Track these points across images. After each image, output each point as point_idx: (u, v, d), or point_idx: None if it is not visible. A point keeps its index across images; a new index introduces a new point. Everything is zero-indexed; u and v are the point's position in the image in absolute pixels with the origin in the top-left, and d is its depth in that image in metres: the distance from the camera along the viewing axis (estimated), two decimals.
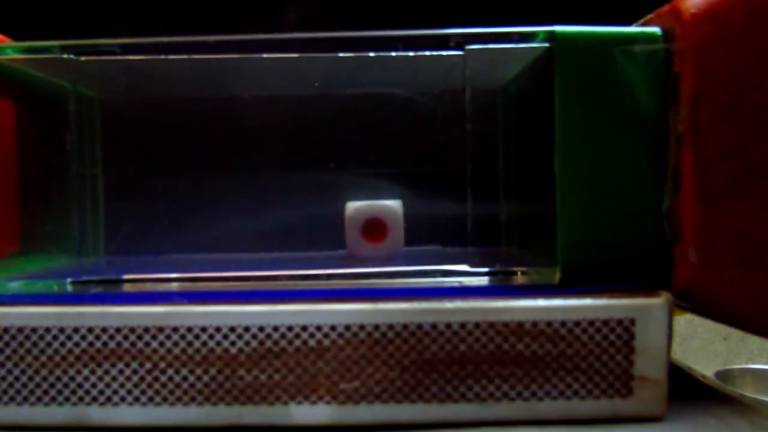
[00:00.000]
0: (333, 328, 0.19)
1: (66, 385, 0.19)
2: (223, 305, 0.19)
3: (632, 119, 0.20)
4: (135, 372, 0.19)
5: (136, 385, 0.19)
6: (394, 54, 0.23)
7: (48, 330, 0.19)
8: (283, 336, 0.19)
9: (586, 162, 0.20)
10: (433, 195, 0.27)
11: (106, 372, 0.19)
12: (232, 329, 0.19)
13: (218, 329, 0.19)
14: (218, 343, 0.19)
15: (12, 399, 0.19)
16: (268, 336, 0.19)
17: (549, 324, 0.19)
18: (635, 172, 0.20)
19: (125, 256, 0.27)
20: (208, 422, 0.19)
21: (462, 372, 0.19)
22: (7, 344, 0.19)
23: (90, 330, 0.19)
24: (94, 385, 0.19)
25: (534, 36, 0.21)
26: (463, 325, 0.19)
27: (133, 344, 0.19)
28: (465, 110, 0.24)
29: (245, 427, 0.19)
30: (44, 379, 0.19)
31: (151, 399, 0.19)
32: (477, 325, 0.19)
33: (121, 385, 0.19)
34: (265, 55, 0.22)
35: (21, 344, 0.19)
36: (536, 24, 0.21)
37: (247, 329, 0.19)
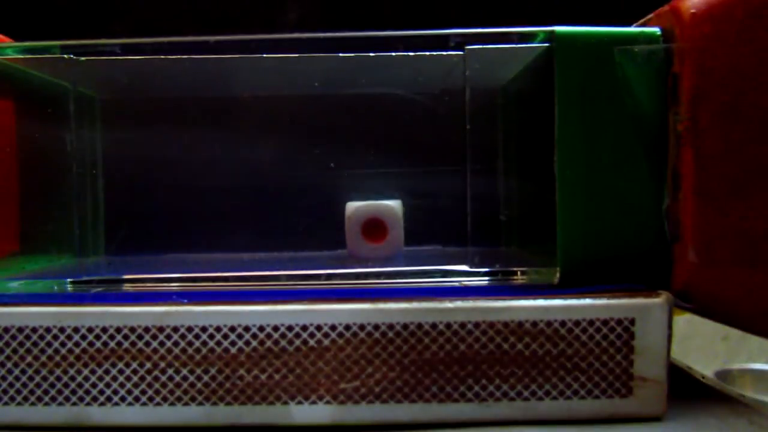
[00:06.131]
0: (333, 328, 0.19)
1: (66, 385, 0.19)
2: (223, 305, 0.19)
3: (632, 119, 0.20)
4: (135, 372, 0.19)
5: (136, 385, 0.19)
6: (394, 54, 0.23)
7: (48, 330, 0.19)
8: (283, 336, 0.19)
9: (586, 162, 0.20)
10: (433, 195, 0.27)
11: (106, 372, 0.19)
12: (232, 329, 0.19)
13: (218, 329, 0.19)
14: (218, 343, 0.19)
15: (12, 399, 0.19)
16: (268, 336, 0.19)
17: (549, 324, 0.19)
18: (635, 172, 0.20)
19: (125, 256, 0.27)
20: (208, 422, 0.19)
21: (462, 372, 0.19)
22: (7, 344, 0.19)
23: (90, 330, 0.19)
24: (94, 385, 0.19)
25: (534, 36, 0.21)
26: (463, 325, 0.19)
27: (133, 344, 0.19)
28: (465, 110, 0.24)
29: (245, 427, 0.19)
30: (44, 379, 0.19)
31: (151, 399, 0.19)
32: (477, 325, 0.19)
33: (121, 385, 0.19)
34: (265, 55, 0.22)
35: (21, 344, 0.19)
36: (536, 24, 0.21)
37: (247, 329, 0.19)
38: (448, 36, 0.22)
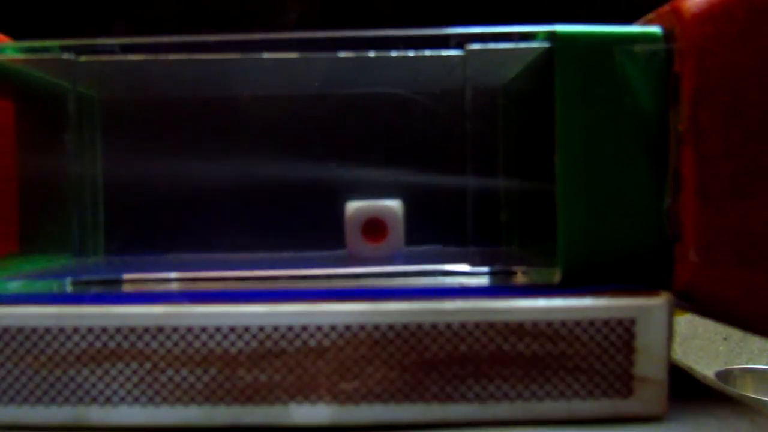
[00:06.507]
0: (333, 328, 0.19)
1: (66, 385, 0.19)
2: (223, 305, 0.19)
3: (632, 119, 0.20)
4: (135, 372, 0.19)
5: (136, 385, 0.19)
6: (394, 54, 0.23)
7: (48, 330, 0.19)
8: (283, 336, 0.19)
9: (587, 162, 0.20)
10: (433, 195, 0.27)
11: (106, 372, 0.19)
12: (232, 329, 0.19)
13: (218, 329, 0.19)
14: (218, 343, 0.19)
15: (12, 399, 0.19)
16: (268, 336, 0.19)
17: (549, 324, 0.19)
18: (635, 172, 0.20)
19: (125, 256, 0.27)
20: (208, 422, 0.19)
21: (462, 372, 0.19)
22: (7, 344, 0.19)
23: (90, 330, 0.19)
24: (94, 385, 0.19)
25: (534, 36, 0.21)
26: (463, 325, 0.19)
27: (133, 344, 0.19)
28: (465, 110, 0.24)
29: (245, 427, 0.19)
30: (44, 379, 0.19)
31: (151, 399, 0.19)
32: (477, 325, 0.19)
33: (121, 385, 0.19)
34: (265, 55, 0.22)
35: (21, 344, 0.19)
36: (536, 24, 0.21)
37: (247, 329, 0.19)
38: (448, 36, 0.22)
